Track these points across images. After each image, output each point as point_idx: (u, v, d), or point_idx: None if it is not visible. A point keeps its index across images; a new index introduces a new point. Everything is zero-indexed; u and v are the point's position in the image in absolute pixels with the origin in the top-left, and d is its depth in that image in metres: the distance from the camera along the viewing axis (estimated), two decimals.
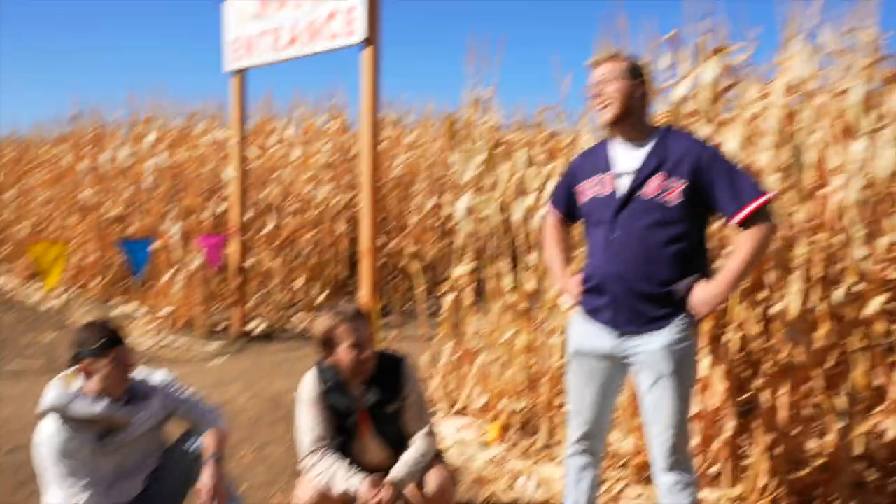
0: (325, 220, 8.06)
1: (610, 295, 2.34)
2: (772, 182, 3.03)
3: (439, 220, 9.36)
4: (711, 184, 2.22)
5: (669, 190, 2.23)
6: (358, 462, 2.65)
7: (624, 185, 2.31)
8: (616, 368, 2.44)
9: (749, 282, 3.24)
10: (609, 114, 2.30)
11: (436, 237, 9.31)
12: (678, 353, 2.27)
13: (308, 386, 2.57)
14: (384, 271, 8.88)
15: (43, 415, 2.40)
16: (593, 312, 2.42)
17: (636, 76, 2.31)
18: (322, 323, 2.48)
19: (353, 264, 9.12)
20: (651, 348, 2.29)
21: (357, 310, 2.51)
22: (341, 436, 2.58)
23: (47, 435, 2.38)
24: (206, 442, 2.57)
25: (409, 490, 2.55)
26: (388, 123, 10.41)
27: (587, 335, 2.44)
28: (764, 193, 2.20)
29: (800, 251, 2.96)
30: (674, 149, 2.27)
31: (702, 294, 2.25)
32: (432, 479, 2.54)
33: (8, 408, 4.37)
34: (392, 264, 8.96)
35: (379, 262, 6.50)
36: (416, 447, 2.58)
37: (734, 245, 2.24)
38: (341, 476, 2.43)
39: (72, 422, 2.38)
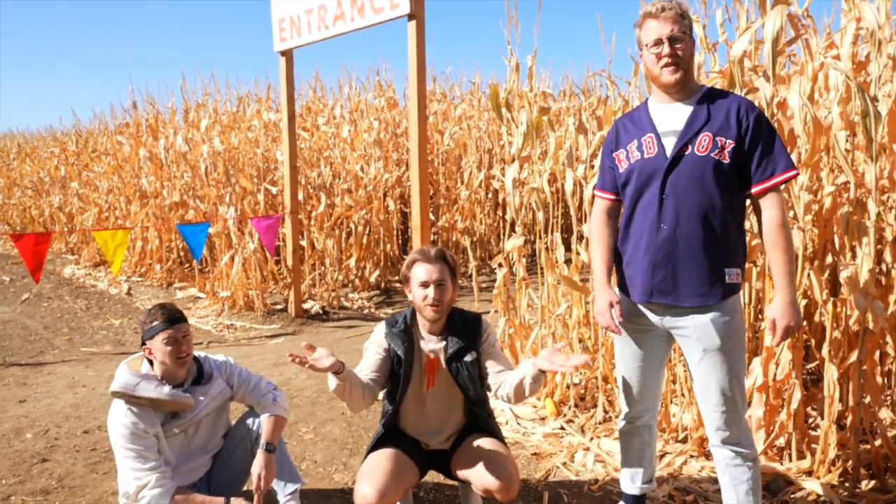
0: (376, 198, 8.08)
1: (651, 265, 2.20)
2: (840, 139, 2.85)
3: (490, 194, 9.28)
4: (750, 147, 2.11)
5: (719, 148, 2.11)
6: (411, 412, 2.60)
7: (670, 144, 2.17)
8: (662, 340, 2.36)
9: (814, 246, 3.08)
10: (679, 75, 2.16)
11: (487, 210, 9.24)
12: (726, 326, 2.16)
13: (377, 329, 2.58)
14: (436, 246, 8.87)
15: (113, 396, 2.49)
16: (632, 284, 2.30)
17: (692, 33, 2.20)
18: (407, 260, 2.53)
19: (404, 241, 9.18)
20: (696, 322, 2.18)
21: (440, 253, 2.50)
22: (392, 382, 2.55)
23: (116, 417, 2.48)
24: (262, 429, 2.65)
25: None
26: (435, 98, 10.33)
27: (631, 307, 2.35)
28: (792, 169, 2.12)
29: (871, 211, 2.79)
30: (719, 108, 2.15)
31: (780, 314, 2.11)
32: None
33: (82, 390, 4.56)
34: (444, 239, 8.96)
35: (431, 238, 6.48)
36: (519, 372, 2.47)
37: (766, 240, 2.14)
38: None
39: (138, 405, 2.47)
